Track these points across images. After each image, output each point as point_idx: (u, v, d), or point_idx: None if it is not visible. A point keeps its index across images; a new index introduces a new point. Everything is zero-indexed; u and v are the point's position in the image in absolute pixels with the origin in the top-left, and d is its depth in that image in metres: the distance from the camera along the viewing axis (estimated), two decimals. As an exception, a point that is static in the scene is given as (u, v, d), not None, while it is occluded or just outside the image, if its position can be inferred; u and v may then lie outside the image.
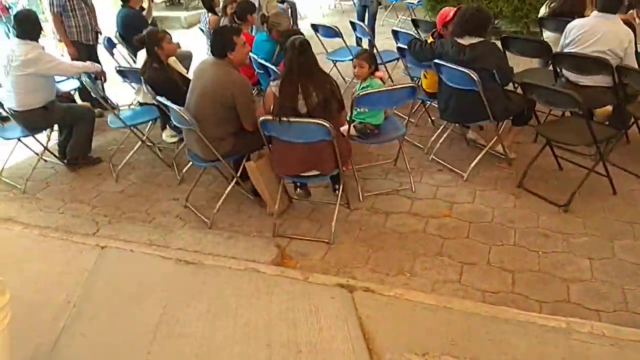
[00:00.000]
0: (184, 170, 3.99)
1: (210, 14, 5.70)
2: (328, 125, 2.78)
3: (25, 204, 3.76)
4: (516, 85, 3.92)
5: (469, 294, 2.58)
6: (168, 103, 3.19)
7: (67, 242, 3.15)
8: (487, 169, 3.76)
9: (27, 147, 4.19)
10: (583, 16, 3.83)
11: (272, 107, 2.96)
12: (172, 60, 4.09)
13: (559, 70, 3.81)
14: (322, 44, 5.78)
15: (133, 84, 4.48)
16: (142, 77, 3.83)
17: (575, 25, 3.64)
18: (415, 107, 4.62)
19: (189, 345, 2.22)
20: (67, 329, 2.35)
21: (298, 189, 3.52)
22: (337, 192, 3.35)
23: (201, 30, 5.92)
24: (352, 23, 5.63)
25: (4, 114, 4.01)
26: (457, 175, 3.71)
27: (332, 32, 5.31)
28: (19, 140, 4.09)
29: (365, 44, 6.27)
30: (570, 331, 2.13)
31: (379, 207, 3.44)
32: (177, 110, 3.04)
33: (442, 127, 4.13)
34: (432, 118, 4.56)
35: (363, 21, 6.59)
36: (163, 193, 3.85)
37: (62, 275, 2.79)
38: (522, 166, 3.56)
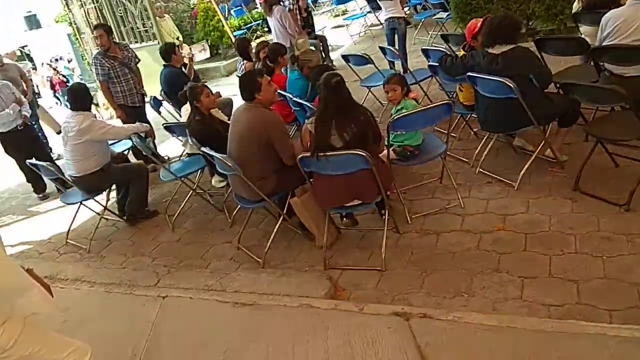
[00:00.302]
0: (234, 213, 4.11)
1: (245, 61, 5.93)
2: (364, 153, 2.79)
3: (91, 262, 4.01)
4: (558, 85, 3.79)
5: (532, 310, 2.45)
6: (212, 152, 3.33)
7: (130, 296, 3.31)
8: (538, 175, 3.61)
9: (89, 208, 4.48)
10: (619, 6, 3.67)
11: (309, 144, 3.02)
12: (214, 110, 4.27)
13: (601, 64, 3.66)
14: (355, 72, 5.86)
15: (180, 137, 4.70)
16: (187, 130, 4.03)
17: (612, 17, 3.50)
18: (455, 122, 4.56)
19: (251, 388, 2.25)
20: (135, 382, 2.44)
21: (344, 219, 3.53)
22: (384, 217, 3.34)
23: (238, 77, 6.15)
24: (381, 48, 5.68)
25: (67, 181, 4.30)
26: (508, 186, 3.59)
27: (362, 60, 5.36)
28: (81, 203, 4.36)
29: (398, 66, 6.28)
30: (646, 340, 1.98)
31: (428, 228, 3.38)
32: (220, 158, 3.16)
33: (485, 137, 4.03)
34: (474, 130, 4.46)
35: (393, 44, 6.61)
36: (217, 237, 3.97)
37: (127, 329, 2.92)
38: (575, 168, 3.39)
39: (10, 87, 5.38)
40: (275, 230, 3.45)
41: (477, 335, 2.26)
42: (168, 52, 5.55)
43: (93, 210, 4.53)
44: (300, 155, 2.97)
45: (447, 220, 3.41)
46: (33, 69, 14.94)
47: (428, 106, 3.27)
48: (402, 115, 3.21)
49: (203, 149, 3.46)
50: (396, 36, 6.66)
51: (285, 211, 3.46)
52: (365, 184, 2.96)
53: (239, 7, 12.52)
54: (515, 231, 3.09)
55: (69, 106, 4.35)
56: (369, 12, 9.48)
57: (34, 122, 6.02)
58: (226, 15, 11.87)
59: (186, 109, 4.33)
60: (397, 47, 6.45)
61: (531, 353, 2.07)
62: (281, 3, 6.99)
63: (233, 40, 9.20)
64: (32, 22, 19.17)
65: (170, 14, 11.52)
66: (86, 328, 2.99)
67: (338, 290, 3.02)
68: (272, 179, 3.26)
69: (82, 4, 9.33)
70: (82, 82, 8.62)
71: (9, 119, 5.20)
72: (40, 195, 5.82)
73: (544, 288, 2.56)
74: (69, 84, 9.61)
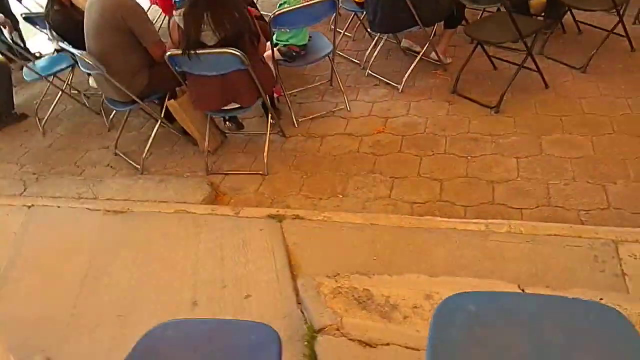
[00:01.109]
0: (112, 116, 3.81)
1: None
2: (239, 53, 2.61)
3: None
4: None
5: (398, 207, 2.58)
6: (70, 48, 2.95)
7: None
8: (423, 78, 3.66)
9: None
10: None
11: (179, 41, 2.76)
12: (79, -1, 3.75)
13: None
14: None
15: (44, 31, 4.14)
16: (46, 22, 3.54)
17: None
18: (350, 20, 4.42)
19: (114, 295, 2.20)
20: (-8, 295, 2.31)
21: (227, 123, 3.40)
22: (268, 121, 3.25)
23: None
24: None
25: None
26: (393, 88, 3.61)
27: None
28: None
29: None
30: (488, 233, 2.15)
31: (314, 132, 3.35)
32: (80, 55, 2.82)
33: (375, 38, 3.95)
34: (368, 30, 4.36)
35: None
36: (93, 142, 3.70)
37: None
38: (458, 71, 3.46)
39: None
40: (153, 134, 3.26)
41: (341, 233, 2.34)
42: None
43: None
44: (168, 52, 2.72)
45: (333, 124, 3.40)
46: None
47: (311, 2, 3.08)
48: (283, 10, 3.01)
49: (62, 44, 3.06)
50: None
51: (164, 114, 3.25)
52: (242, 86, 2.81)
53: None
54: (393, 134, 3.16)
55: None
56: None
57: None
58: None
59: (47, -4, 3.76)
60: None
61: (387, 247, 2.18)
62: None
63: None
64: None
65: None
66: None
67: (219, 196, 2.97)
68: (142, 74, 2.98)
69: None
70: None
71: None
72: None
73: (410, 187, 2.69)
74: None
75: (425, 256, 2.10)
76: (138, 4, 2.91)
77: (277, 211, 2.61)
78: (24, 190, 3.23)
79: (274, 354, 1.05)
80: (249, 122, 3.56)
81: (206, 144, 3.16)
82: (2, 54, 4.11)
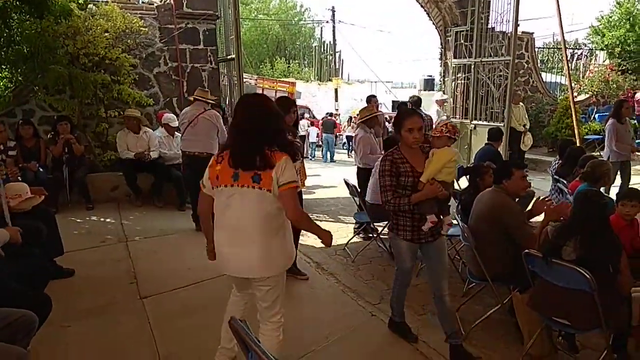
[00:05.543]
0: (470, 286, 4.32)
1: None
2: (588, 276, 2.70)
3: (348, 268, 4.98)
4: None
5: None
6: (460, 222, 3.75)
7: (354, 302, 4.09)
8: None
9: (369, 231, 5.51)
10: None
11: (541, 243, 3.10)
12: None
13: None
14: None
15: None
16: (460, 198, 4.55)
17: None
18: None
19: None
20: None
21: (560, 338, 3.33)
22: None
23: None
24: None
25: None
26: None
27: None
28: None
29: None
30: None
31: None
32: (461, 226, 3.57)
33: None
34: None
35: None
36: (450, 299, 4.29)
37: (332, 321, 3.71)
38: None
39: None
40: (488, 313, 3.56)
41: None
42: (497, 134, 6.28)
43: (371, 235, 5.56)
44: (527, 251, 3.07)
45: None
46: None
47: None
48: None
49: (458, 219, 3.91)
50: None
51: (508, 303, 3.53)
52: (579, 307, 2.82)
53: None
54: None
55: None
56: None
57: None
58: (588, 117, 11.51)
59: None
60: None
61: None
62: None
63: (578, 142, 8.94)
64: (429, 84, 23.00)
65: (532, 104, 11.99)
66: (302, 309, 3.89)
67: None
68: (500, 263, 3.43)
69: (455, 77, 10.84)
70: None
71: None
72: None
73: None
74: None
75: None
76: (515, 205, 3.47)
77: None
78: (379, 302, 4.10)
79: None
80: (588, 354, 3.33)
81: (528, 345, 3.21)
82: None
